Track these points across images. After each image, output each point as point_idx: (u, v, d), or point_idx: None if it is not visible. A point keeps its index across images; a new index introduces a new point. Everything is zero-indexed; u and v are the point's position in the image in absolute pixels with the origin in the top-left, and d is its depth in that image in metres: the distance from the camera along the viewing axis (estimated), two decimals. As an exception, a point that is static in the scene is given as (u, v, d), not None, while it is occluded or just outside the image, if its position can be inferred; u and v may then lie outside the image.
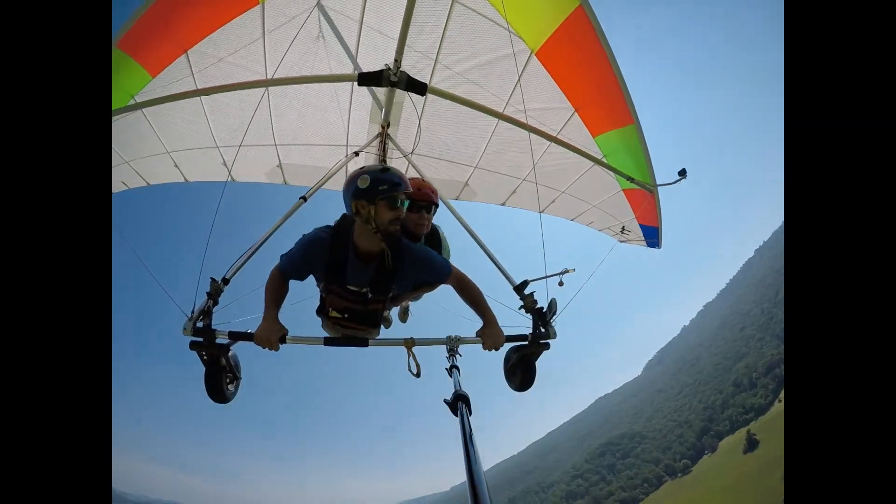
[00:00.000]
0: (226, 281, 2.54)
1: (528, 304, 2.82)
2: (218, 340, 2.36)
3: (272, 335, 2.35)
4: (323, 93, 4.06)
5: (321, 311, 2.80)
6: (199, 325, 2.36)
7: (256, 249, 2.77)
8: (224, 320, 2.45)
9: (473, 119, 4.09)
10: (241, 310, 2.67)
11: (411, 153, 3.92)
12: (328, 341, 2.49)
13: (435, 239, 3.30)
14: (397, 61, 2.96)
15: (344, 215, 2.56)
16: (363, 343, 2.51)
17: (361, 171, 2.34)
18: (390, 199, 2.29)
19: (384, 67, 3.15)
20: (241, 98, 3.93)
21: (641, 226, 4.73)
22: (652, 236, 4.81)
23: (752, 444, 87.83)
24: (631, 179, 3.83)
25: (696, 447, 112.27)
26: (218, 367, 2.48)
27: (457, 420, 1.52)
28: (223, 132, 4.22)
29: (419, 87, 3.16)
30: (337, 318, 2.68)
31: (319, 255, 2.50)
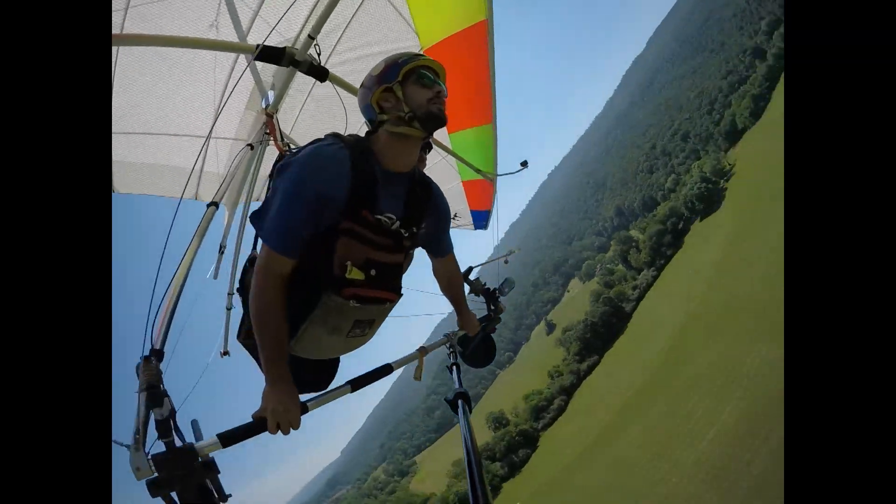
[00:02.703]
0: (158, 354, 1.63)
1: (478, 287, 3.04)
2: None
3: (292, 409, 1.52)
4: (194, 66, 3.14)
5: (322, 283, 1.66)
6: (160, 447, 1.28)
7: (182, 284, 1.89)
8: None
9: (339, 107, 3.99)
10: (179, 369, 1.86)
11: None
12: (355, 385, 1.86)
13: None
14: (311, 38, 2.49)
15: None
16: (389, 370, 2.06)
17: (374, 68, 1.79)
18: (418, 74, 1.70)
19: (287, 43, 2.67)
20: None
21: (472, 212, 5.18)
22: (481, 219, 5.25)
23: (550, 327, 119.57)
24: (478, 171, 4.19)
25: (515, 340, 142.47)
26: (210, 500, 1.33)
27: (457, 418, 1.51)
28: None
29: (321, 73, 2.63)
30: (359, 281, 1.68)
31: (337, 174, 1.61)
